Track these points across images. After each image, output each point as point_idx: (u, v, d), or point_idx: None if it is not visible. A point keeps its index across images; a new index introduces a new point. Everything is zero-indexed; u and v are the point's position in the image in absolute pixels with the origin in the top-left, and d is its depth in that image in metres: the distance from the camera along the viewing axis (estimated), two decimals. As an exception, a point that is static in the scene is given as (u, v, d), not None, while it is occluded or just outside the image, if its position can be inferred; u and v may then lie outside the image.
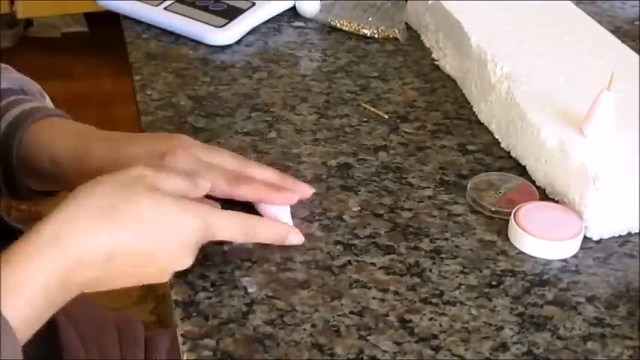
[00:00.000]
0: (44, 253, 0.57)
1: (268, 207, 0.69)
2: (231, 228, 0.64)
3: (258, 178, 0.69)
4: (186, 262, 0.61)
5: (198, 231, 0.61)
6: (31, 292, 0.56)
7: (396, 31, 1.00)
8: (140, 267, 0.60)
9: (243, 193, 0.68)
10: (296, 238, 0.67)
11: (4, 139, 0.72)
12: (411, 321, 0.61)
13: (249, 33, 0.99)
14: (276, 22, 1.02)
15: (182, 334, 0.59)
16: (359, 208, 0.72)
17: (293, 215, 0.69)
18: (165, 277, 0.62)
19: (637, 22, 1.04)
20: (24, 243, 0.57)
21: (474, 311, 0.62)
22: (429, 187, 0.75)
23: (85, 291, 0.60)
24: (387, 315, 0.62)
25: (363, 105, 0.86)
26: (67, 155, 0.70)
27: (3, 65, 0.78)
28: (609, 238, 0.70)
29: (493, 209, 0.72)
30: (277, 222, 0.68)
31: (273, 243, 0.67)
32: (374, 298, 0.63)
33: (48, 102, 0.79)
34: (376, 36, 1.00)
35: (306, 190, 0.71)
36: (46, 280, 0.56)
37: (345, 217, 0.71)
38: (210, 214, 0.62)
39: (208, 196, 0.66)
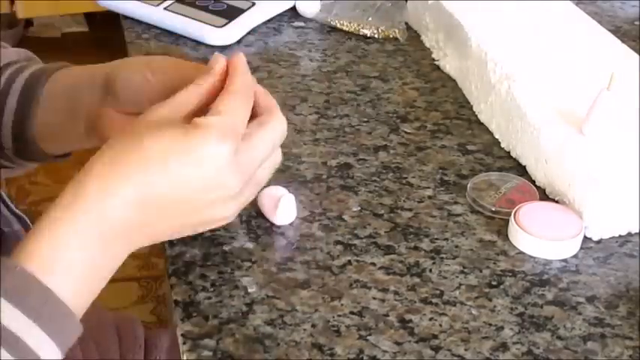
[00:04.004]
0: (71, 210, 0.54)
1: (268, 196, 0.69)
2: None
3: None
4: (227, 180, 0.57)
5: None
6: (69, 259, 0.53)
7: (396, 31, 1.00)
8: (175, 205, 0.56)
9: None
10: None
11: (26, 88, 0.71)
12: (411, 321, 0.61)
13: (249, 33, 0.99)
14: (276, 22, 1.02)
15: (182, 334, 0.59)
16: (359, 208, 0.72)
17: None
18: (212, 212, 0.58)
19: (637, 22, 1.04)
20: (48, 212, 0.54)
21: (474, 311, 0.62)
22: (429, 187, 0.75)
23: (136, 246, 0.57)
24: (387, 315, 0.62)
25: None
26: (111, 65, 0.69)
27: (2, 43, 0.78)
28: (609, 238, 0.70)
29: (493, 209, 0.72)
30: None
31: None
32: (374, 298, 0.63)
33: None
34: (376, 36, 1.00)
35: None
36: (82, 242, 0.53)
37: (345, 217, 0.71)
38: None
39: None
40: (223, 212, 0.59)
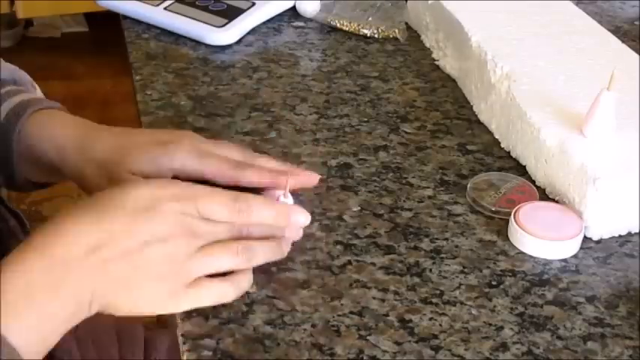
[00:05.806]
0: (24, 258, 0.54)
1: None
2: (219, 204, 0.59)
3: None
4: (181, 248, 0.57)
5: (178, 204, 0.58)
6: (13, 299, 0.52)
7: (396, 31, 1.00)
8: (130, 254, 0.56)
9: (248, 177, 0.65)
10: (302, 217, 0.63)
11: (3, 127, 0.71)
12: (411, 321, 0.61)
13: (249, 33, 0.99)
14: (276, 22, 1.02)
15: (182, 334, 0.59)
16: (359, 208, 0.72)
17: None
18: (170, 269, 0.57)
19: (637, 22, 1.05)
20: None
21: (474, 311, 0.62)
22: (429, 187, 0.75)
23: (98, 303, 0.58)
24: (387, 315, 0.62)
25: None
26: (71, 144, 0.69)
27: None
28: (609, 238, 0.70)
29: (493, 209, 0.72)
30: (276, 202, 0.64)
31: (272, 224, 0.62)
32: (374, 298, 0.63)
33: (38, 93, 0.79)
34: (376, 36, 1.00)
35: (314, 177, 0.68)
36: (30, 285, 0.53)
37: (345, 217, 0.71)
38: (191, 189, 0.60)
39: (214, 184, 0.65)
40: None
